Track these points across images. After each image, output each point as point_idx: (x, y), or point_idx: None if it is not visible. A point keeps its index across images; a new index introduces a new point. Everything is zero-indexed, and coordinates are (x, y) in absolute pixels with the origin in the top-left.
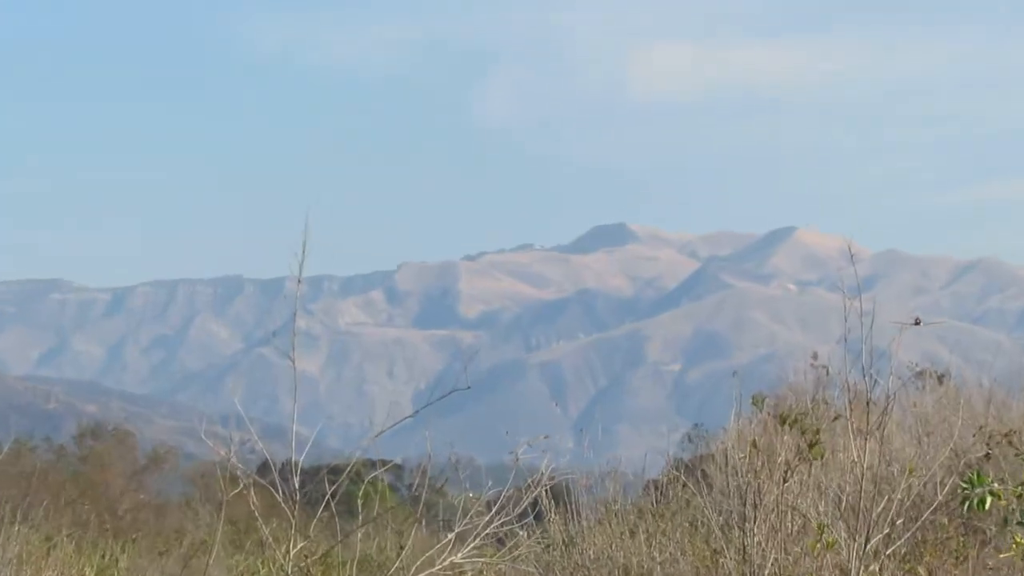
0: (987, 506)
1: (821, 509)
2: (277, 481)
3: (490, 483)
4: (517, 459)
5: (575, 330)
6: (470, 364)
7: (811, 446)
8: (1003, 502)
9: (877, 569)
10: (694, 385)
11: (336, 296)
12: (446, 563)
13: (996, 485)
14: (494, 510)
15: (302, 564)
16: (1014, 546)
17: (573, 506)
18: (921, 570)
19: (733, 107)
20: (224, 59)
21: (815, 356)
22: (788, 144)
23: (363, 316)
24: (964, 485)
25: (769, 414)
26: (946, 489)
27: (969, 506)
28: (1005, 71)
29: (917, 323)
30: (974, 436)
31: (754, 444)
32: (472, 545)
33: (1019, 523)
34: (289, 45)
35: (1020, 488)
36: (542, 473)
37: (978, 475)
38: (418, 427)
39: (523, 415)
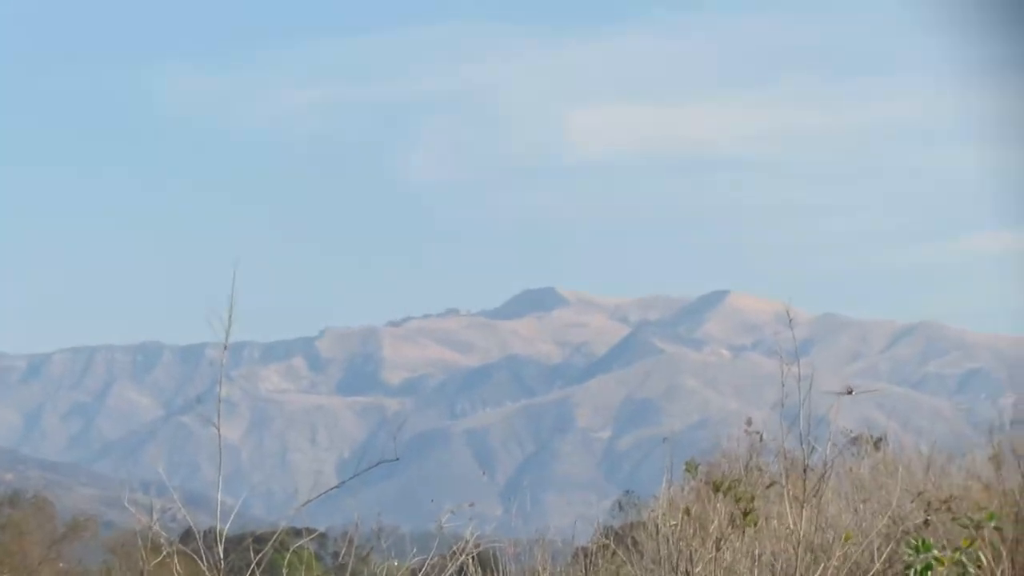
0: (929, 574)
1: None
2: (201, 549)
3: (414, 551)
4: (441, 527)
5: (502, 397)
6: (396, 433)
7: (745, 514)
8: (942, 569)
9: None
10: (624, 452)
11: (257, 362)
12: None
13: (937, 552)
14: None
15: None
16: None
17: (501, 574)
18: None
19: (666, 166)
20: (141, 120)
21: (749, 422)
22: (723, 205)
23: (285, 383)
24: (908, 552)
25: (702, 481)
26: (883, 556)
27: (914, 574)
28: (946, 130)
29: (849, 392)
30: (912, 503)
31: (687, 511)
32: None
33: None
34: (208, 107)
35: (958, 554)
36: (467, 541)
37: (923, 542)
38: (342, 495)
39: (449, 483)
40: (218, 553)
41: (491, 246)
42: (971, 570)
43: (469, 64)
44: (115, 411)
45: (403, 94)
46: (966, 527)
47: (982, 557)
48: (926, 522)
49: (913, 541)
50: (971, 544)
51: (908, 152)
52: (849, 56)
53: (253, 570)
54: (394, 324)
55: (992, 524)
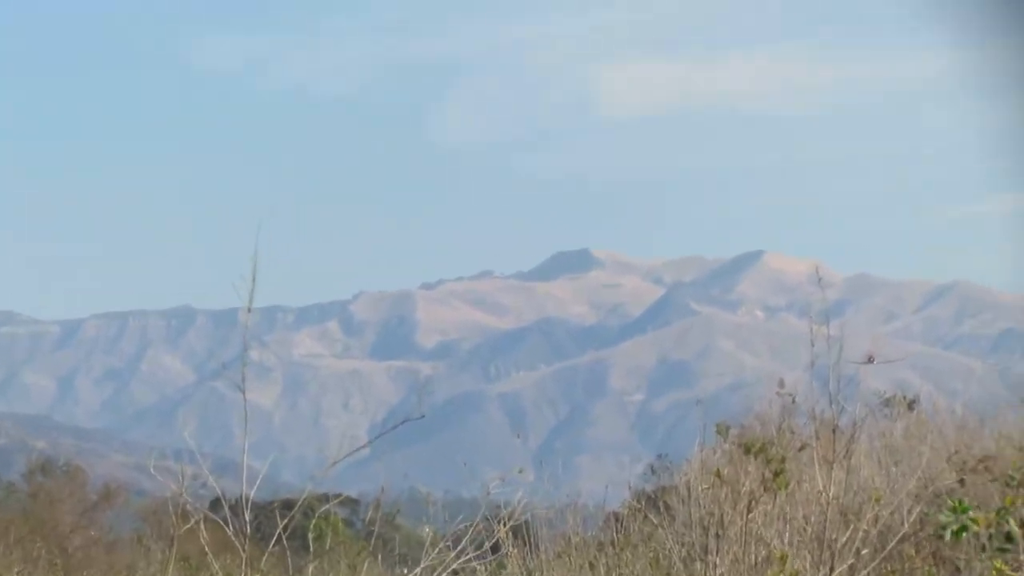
0: (964, 536)
1: (786, 539)
2: (228, 516)
3: (447, 517)
4: (488, 493)
5: (535, 360)
6: (427, 395)
7: (775, 475)
8: (977, 530)
9: None
10: (658, 415)
11: (291, 327)
12: None
13: (973, 513)
14: (459, 547)
15: None
16: (994, 572)
17: (532, 540)
18: None
19: (704, 124)
20: (174, 83)
21: (781, 384)
22: (758, 164)
23: (319, 347)
24: (945, 514)
25: (734, 444)
26: (913, 518)
27: (950, 535)
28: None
29: (871, 361)
30: (946, 463)
31: (717, 474)
32: None
33: (999, 549)
34: (243, 67)
35: (996, 515)
36: (509, 509)
37: (960, 503)
38: (376, 460)
39: (482, 447)
40: (245, 519)
41: (525, 207)
42: (1015, 528)
43: (503, 24)
44: (149, 376)
45: (438, 53)
46: (1009, 485)
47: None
48: (961, 482)
49: (950, 502)
50: (1013, 502)
51: (944, 109)
52: (887, 8)
53: (279, 535)
54: (428, 287)
55: None
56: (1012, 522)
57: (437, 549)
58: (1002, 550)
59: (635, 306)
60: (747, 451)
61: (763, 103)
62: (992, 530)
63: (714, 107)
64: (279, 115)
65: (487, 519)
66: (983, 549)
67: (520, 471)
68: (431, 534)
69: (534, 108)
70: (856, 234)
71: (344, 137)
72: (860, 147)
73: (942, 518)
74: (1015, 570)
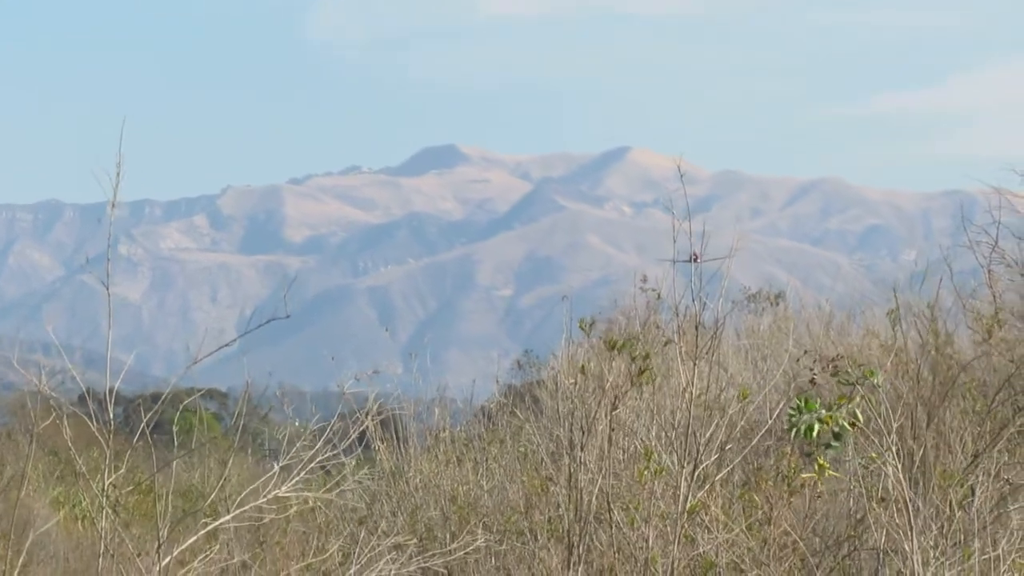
0: (815, 433)
1: (653, 435)
2: (93, 410)
3: (314, 411)
4: (344, 392)
5: (404, 254)
6: (295, 290)
7: (640, 372)
8: (826, 428)
9: (708, 495)
10: (526, 310)
11: (158, 221)
12: (270, 495)
13: (824, 412)
14: (320, 441)
15: (115, 494)
16: (816, 468)
17: (400, 435)
18: (757, 498)
19: (570, 23)
20: None
21: (644, 279)
22: (624, 62)
23: (187, 241)
24: (791, 412)
25: (600, 339)
26: (775, 414)
27: (797, 433)
28: None
29: (695, 260)
30: (799, 360)
31: (582, 370)
32: (297, 478)
33: (826, 445)
34: None
35: (836, 411)
36: (371, 405)
37: (806, 401)
38: (245, 355)
39: (351, 341)
40: (109, 412)
41: (393, 103)
42: (846, 426)
43: None
44: (15, 271)
45: None
46: (847, 384)
47: (859, 416)
48: (812, 381)
49: (797, 401)
50: (848, 402)
51: (810, 13)
52: None
53: (143, 430)
54: (296, 182)
55: (873, 381)
56: (842, 420)
57: (299, 444)
58: (828, 446)
59: (502, 201)
60: (611, 347)
61: (639, 4)
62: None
63: (583, 6)
64: (145, 6)
65: (355, 412)
66: (827, 447)
67: (375, 372)
68: (290, 428)
69: (403, 6)
70: (724, 132)
71: (218, 30)
72: (732, 50)
73: (789, 416)
74: (836, 469)
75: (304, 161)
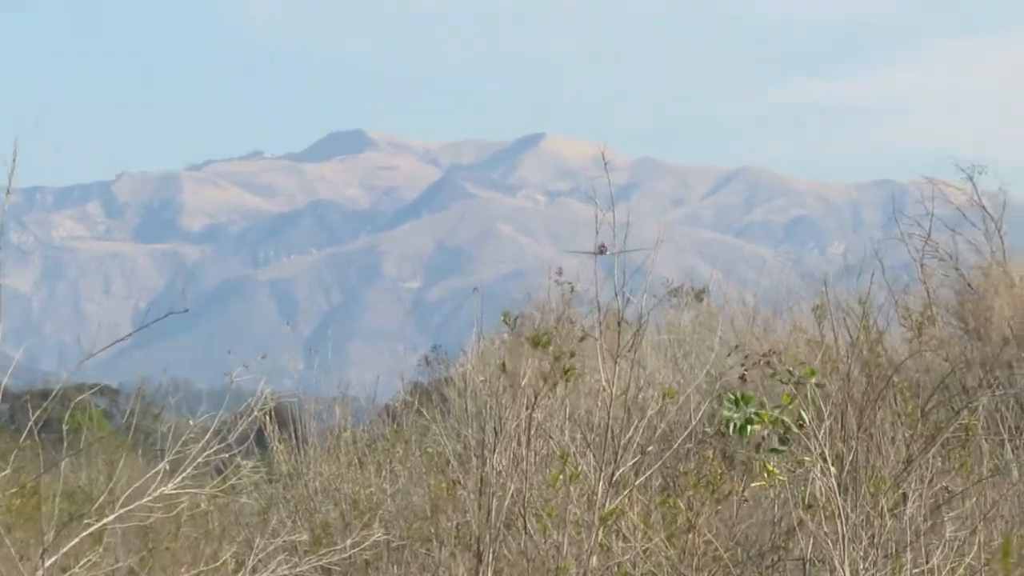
0: (749, 432)
1: (568, 436)
2: None
3: (204, 407)
4: (233, 381)
5: (307, 244)
6: (193, 282)
7: (565, 372)
8: (758, 427)
9: (626, 501)
10: (434, 303)
11: (50, 208)
12: (156, 494)
13: (755, 412)
14: (207, 436)
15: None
16: (766, 475)
17: (300, 435)
18: (680, 503)
19: (489, 8)
20: None
21: (560, 271)
22: (537, 49)
23: (79, 229)
24: (727, 407)
25: (515, 334)
26: (700, 414)
27: (731, 431)
28: None
29: (603, 252)
30: (728, 356)
31: (502, 367)
32: (185, 475)
33: (772, 450)
34: None
35: (777, 411)
36: (262, 396)
37: (742, 397)
38: (136, 349)
39: (251, 335)
40: None
41: (297, 87)
42: (793, 429)
43: None
44: None
45: None
46: (786, 383)
47: (804, 416)
48: (742, 378)
49: (732, 395)
50: (791, 402)
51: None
52: None
53: (31, 428)
54: (194, 167)
55: (813, 381)
56: (788, 421)
57: (181, 441)
58: (775, 451)
59: (410, 189)
60: (535, 344)
61: None
62: (770, 428)
63: None
64: None
65: (246, 408)
66: (757, 449)
67: (263, 358)
68: (176, 423)
69: None
70: (641, 119)
71: (115, 7)
72: (650, 35)
73: (725, 412)
74: (789, 472)
75: (203, 146)
